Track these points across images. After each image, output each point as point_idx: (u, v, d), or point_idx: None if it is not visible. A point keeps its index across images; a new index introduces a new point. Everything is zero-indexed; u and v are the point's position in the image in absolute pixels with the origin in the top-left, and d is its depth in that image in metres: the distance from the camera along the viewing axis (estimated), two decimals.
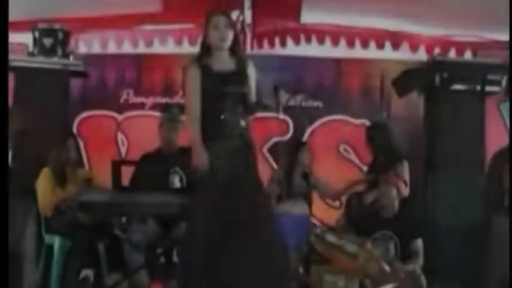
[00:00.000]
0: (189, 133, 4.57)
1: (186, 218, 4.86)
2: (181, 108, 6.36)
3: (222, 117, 4.40)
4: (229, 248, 4.25)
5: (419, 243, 5.69)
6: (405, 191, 6.13)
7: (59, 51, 6.76)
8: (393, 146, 6.51)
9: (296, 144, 6.74)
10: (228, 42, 4.47)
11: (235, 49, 4.54)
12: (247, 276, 4.23)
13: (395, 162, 6.23)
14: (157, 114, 6.65)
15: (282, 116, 4.47)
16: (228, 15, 4.53)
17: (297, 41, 7.57)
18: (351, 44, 7.62)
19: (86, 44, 7.58)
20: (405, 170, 6.25)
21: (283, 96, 4.44)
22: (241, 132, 4.45)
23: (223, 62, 4.50)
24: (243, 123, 4.47)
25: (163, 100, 7.66)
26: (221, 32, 4.44)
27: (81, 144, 7.15)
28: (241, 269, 4.23)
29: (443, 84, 6.51)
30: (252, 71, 4.56)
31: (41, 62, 6.71)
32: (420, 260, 5.63)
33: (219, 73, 4.46)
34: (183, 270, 4.53)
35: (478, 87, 6.52)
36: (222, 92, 4.41)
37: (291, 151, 6.50)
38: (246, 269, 4.23)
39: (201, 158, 4.39)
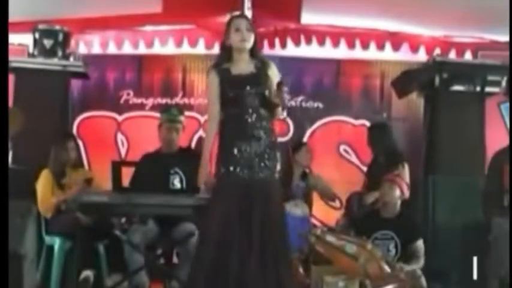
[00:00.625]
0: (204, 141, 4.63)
1: (200, 217, 4.92)
2: (181, 108, 6.39)
3: (245, 119, 4.40)
4: (241, 248, 4.28)
5: (420, 244, 5.68)
6: (407, 193, 6.14)
7: (59, 52, 6.77)
8: (394, 147, 6.51)
9: (295, 145, 6.74)
10: (249, 44, 4.48)
11: (255, 52, 4.55)
12: (255, 277, 4.24)
13: (396, 164, 6.23)
14: (157, 114, 6.64)
15: (285, 114, 4.45)
16: (249, 19, 4.56)
17: (297, 42, 7.58)
18: (351, 44, 7.62)
19: (86, 45, 7.59)
20: (406, 171, 6.25)
21: (286, 93, 4.43)
22: (264, 133, 4.45)
23: (243, 65, 4.51)
24: (265, 124, 4.47)
25: (164, 101, 7.67)
26: (243, 33, 4.45)
27: (81, 145, 7.16)
28: (250, 271, 4.25)
29: (443, 84, 6.51)
30: (273, 73, 4.54)
31: (41, 63, 6.72)
32: (421, 261, 5.62)
33: (238, 76, 4.48)
34: (192, 269, 4.55)
35: (478, 88, 6.53)
36: (241, 94, 4.41)
37: (290, 152, 6.50)
38: (256, 270, 4.25)
39: (202, 174, 4.51)
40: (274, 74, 4.55)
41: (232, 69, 4.51)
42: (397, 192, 5.79)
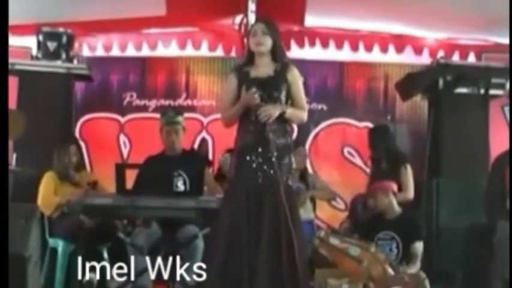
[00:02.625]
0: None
1: (204, 219, 5.01)
2: (179, 110, 6.40)
3: (259, 122, 4.40)
4: (250, 252, 4.29)
5: (418, 246, 5.67)
6: (408, 194, 6.12)
7: (63, 55, 6.78)
8: (395, 149, 6.50)
9: None
10: (265, 47, 4.50)
11: (277, 56, 4.55)
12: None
13: (399, 166, 6.22)
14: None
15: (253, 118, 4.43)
16: (267, 22, 4.56)
17: (300, 44, 7.58)
18: (354, 47, 7.63)
19: (90, 48, 7.60)
20: (409, 173, 6.24)
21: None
22: (277, 136, 4.45)
23: (262, 69, 4.52)
24: (279, 127, 4.47)
25: (167, 102, 7.68)
26: (258, 37, 4.49)
27: (84, 146, 7.17)
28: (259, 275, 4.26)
29: (447, 87, 6.50)
30: (293, 77, 4.55)
31: (44, 65, 6.72)
32: (418, 264, 5.61)
33: (255, 79, 4.49)
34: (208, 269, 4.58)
35: (482, 90, 6.51)
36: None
37: None
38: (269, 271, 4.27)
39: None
40: (295, 78, 4.56)
41: (251, 73, 4.53)
42: (388, 198, 5.74)
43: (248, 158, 4.40)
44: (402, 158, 6.36)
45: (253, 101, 4.35)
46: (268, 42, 4.50)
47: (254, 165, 4.38)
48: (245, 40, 4.70)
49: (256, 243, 4.27)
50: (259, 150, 4.37)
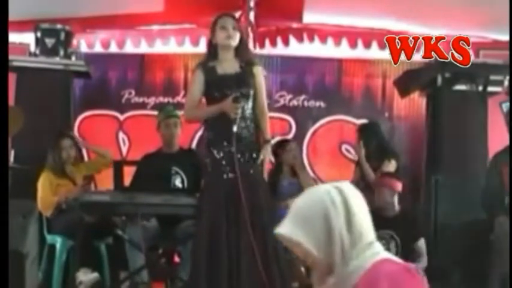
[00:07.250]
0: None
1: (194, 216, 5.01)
2: (175, 106, 6.42)
3: (229, 119, 4.42)
4: (230, 246, 4.31)
5: (421, 243, 5.66)
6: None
7: (61, 51, 6.76)
8: (385, 145, 6.51)
9: (279, 143, 6.63)
10: (235, 42, 4.55)
11: (241, 52, 4.57)
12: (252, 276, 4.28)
13: (382, 160, 6.24)
14: None
15: (235, 129, 4.47)
16: (235, 18, 4.66)
17: (299, 41, 7.57)
18: (353, 44, 7.61)
19: (88, 44, 7.59)
20: (391, 165, 6.25)
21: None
22: (247, 132, 4.49)
23: (228, 65, 4.58)
24: (249, 123, 4.50)
25: (165, 100, 7.65)
26: (228, 31, 4.54)
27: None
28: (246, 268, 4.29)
29: (445, 84, 6.49)
30: (258, 71, 4.61)
31: (43, 62, 6.71)
32: (424, 260, 5.60)
33: (223, 76, 4.55)
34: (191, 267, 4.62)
35: (481, 87, 6.51)
36: (227, 94, 4.44)
37: (276, 151, 6.36)
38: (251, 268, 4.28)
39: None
40: (259, 72, 4.65)
41: (218, 69, 4.58)
42: (392, 198, 5.73)
43: (220, 152, 4.46)
44: (387, 153, 6.37)
45: (234, 115, 4.40)
46: (237, 37, 4.57)
47: (226, 160, 4.45)
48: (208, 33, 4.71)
49: (234, 235, 4.36)
50: (231, 145, 4.43)
